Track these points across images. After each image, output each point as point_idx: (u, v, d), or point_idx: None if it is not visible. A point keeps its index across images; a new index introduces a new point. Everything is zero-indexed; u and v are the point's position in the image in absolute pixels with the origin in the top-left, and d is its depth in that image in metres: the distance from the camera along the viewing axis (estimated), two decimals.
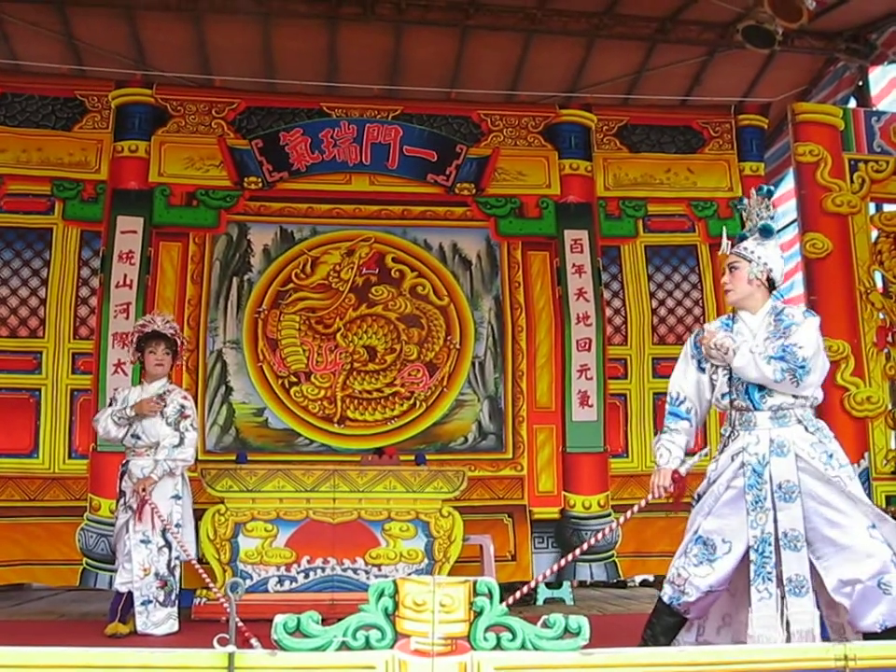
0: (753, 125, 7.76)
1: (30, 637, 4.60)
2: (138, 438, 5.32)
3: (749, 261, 3.81)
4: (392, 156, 7.41)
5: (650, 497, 3.75)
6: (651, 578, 8.56)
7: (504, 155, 7.52)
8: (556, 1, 7.30)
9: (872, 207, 6.88)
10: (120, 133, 7.12)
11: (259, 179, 7.27)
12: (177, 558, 5.21)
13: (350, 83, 7.72)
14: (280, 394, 7.04)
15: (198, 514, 6.21)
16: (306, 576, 5.98)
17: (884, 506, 6.16)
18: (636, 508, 3.70)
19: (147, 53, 7.71)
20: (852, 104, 7.84)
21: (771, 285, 3.83)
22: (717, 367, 3.80)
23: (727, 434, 3.80)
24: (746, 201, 3.96)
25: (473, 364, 7.27)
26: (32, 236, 6.96)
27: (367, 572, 5.99)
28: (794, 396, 3.62)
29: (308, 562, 6.00)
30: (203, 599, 5.87)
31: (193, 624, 5.54)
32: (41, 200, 6.99)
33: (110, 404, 5.49)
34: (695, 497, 3.81)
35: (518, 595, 3.28)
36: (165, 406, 5.29)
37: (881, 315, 6.59)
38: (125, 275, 6.85)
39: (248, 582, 5.85)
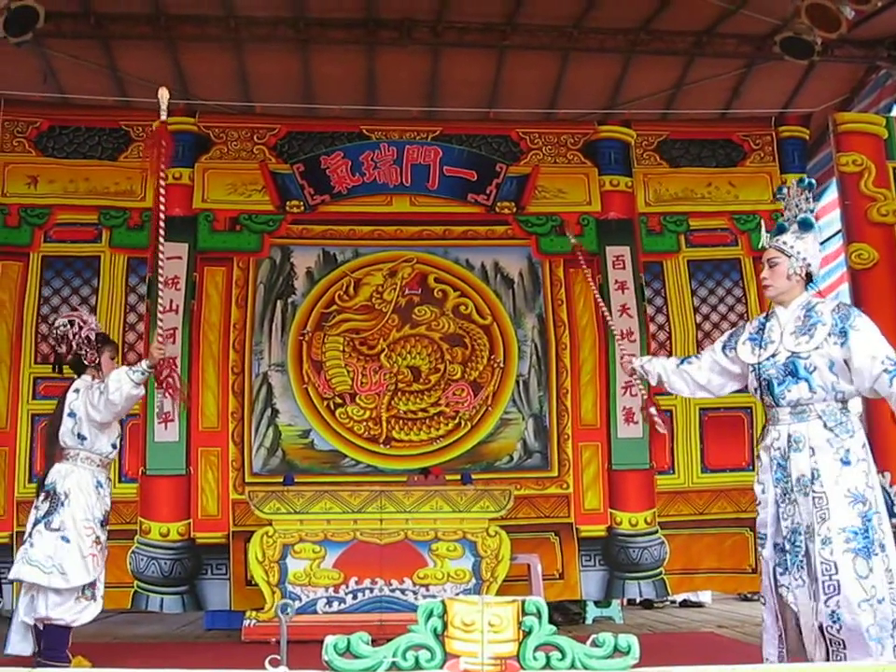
0: (795, 136, 7.70)
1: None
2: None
3: (789, 256, 3.81)
4: (432, 176, 7.46)
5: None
6: (692, 597, 8.48)
7: (544, 173, 7.52)
8: (592, 18, 7.30)
9: None
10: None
11: (301, 203, 7.35)
12: None
13: (389, 106, 7.79)
14: (325, 415, 7.08)
15: (246, 536, 6.30)
16: (354, 597, 6.00)
17: None
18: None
19: (190, 83, 7.82)
20: (895, 112, 7.74)
21: (809, 278, 3.85)
22: (748, 364, 3.86)
23: (763, 429, 3.91)
24: (785, 189, 3.95)
25: (517, 382, 7.25)
26: (80, 264, 7.09)
27: (415, 592, 5.99)
28: (812, 391, 3.62)
29: (356, 583, 6.02)
30: (254, 621, 5.90)
31: (244, 646, 5.58)
32: (89, 228, 7.13)
33: (70, 413, 4.92)
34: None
35: None
36: None
37: None
38: (171, 301, 6.93)
39: (297, 604, 5.88)
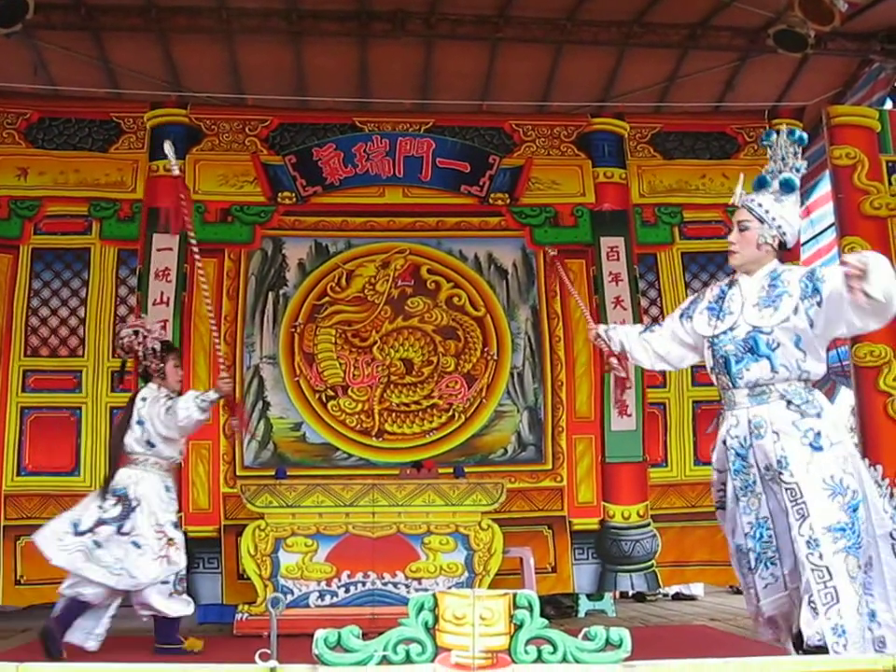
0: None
1: (77, 654, 4.65)
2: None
3: (762, 222, 3.49)
4: (425, 168, 7.43)
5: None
6: (684, 590, 8.51)
7: (537, 165, 7.51)
8: (586, 11, 7.27)
9: None
10: (155, 152, 7.14)
11: (293, 194, 7.32)
12: None
13: (381, 98, 7.77)
14: (317, 408, 7.06)
15: (238, 530, 6.29)
16: (347, 590, 5.99)
17: None
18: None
19: (181, 74, 7.79)
20: (888, 105, 7.74)
21: (781, 247, 3.51)
22: (704, 337, 3.54)
23: (718, 415, 3.60)
24: (774, 136, 3.59)
25: (512, 375, 7.23)
26: (70, 256, 7.06)
27: (407, 586, 5.99)
28: (774, 371, 3.30)
29: (348, 576, 6.01)
30: (246, 615, 5.89)
31: (236, 640, 5.57)
32: (79, 220, 7.10)
33: (138, 421, 5.11)
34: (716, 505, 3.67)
35: None
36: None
37: None
38: (162, 293, 6.92)
39: (289, 597, 5.86)
